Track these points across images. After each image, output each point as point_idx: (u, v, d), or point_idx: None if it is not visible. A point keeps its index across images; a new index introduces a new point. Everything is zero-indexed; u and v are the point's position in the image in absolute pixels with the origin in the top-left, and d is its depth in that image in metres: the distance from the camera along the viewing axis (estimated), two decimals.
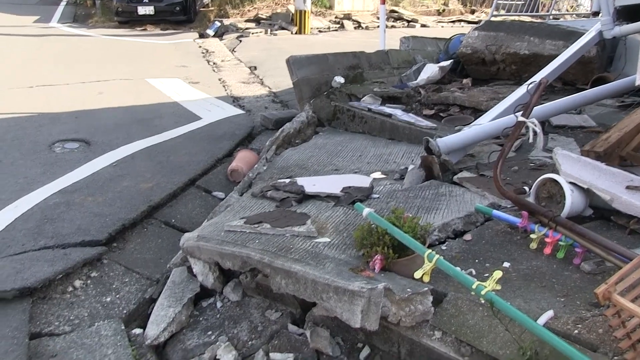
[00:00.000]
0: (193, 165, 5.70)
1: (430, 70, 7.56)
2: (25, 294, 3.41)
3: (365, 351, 3.14)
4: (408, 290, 2.83)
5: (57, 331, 3.32)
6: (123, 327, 3.35)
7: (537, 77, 4.98)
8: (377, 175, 4.75)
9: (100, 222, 4.28)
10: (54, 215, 4.44)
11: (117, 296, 3.66)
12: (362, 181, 4.47)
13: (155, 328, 3.34)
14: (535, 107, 4.06)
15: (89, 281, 3.74)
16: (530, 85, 4.06)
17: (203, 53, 13.30)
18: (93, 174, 5.41)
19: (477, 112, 6.07)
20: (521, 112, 3.94)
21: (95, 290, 3.67)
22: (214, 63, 12.07)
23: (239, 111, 8.12)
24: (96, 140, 6.47)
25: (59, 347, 3.19)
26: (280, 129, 6.02)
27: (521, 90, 5.17)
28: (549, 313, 2.62)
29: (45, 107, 7.89)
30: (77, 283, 3.68)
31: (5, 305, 3.33)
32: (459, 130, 5.06)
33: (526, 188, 3.90)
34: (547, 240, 3.21)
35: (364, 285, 2.78)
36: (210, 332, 3.41)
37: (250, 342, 3.31)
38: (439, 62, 7.97)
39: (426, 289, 2.86)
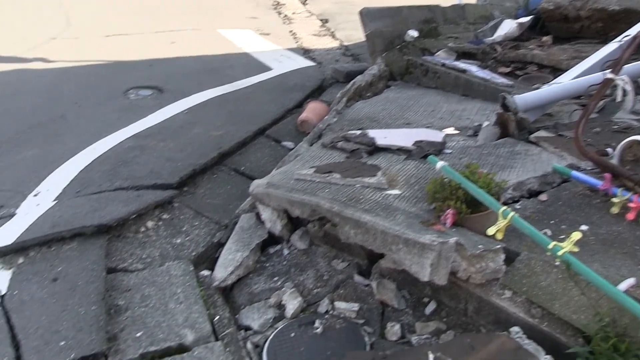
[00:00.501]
0: (263, 115, 5.74)
1: (508, 27, 7.24)
2: (102, 231, 3.58)
3: (431, 306, 3.13)
4: (480, 246, 2.78)
5: (130, 268, 3.48)
6: (192, 268, 3.46)
7: (633, 31, 4.66)
8: (450, 130, 4.65)
9: (171, 167, 4.41)
10: (128, 159, 4.61)
11: (187, 238, 3.78)
12: (435, 136, 4.38)
13: (223, 271, 3.44)
14: (625, 65, 3.82)
15: (160, 223, 3.88)
16: (624, 39, 3.81)
17: (274, 5, 13.25)
18: (165, 121, 5.55)
19: (557, 71, 5.80)
20: (609, 70, 3.71)
21: (166, 232, 3.81)
22: (285, 15, 12.02)
23: (310, 63, 8.08)
24: (169, 88, 6.62)
25: (132, 282, 3.34)
26: (352, 82, 5.96)
27: (610, 47, 4.86)
28: (630, 281, 2.51)
29: (120, 55, 8.13)
30: (150, 224, 3.83)
31: (84, 241, 3.52)
32: (536, 89, 4.84)
33: (609, 150, 3.71)
34: (630, 205, 3.05)
35: (435, 239, 2.75)
36: (276, 278, 3.48)
37: (315, 290, 3.36)
38: (517, 18, 7.62)
39: (499, 246, 2.81)
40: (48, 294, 3.13)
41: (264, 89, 6.73)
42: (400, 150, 4.12)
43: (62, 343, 2.81)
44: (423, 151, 4.03)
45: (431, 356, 2.43)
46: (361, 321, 3.11)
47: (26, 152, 4.95)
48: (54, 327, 2.91)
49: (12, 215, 3.84)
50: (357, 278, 3.40)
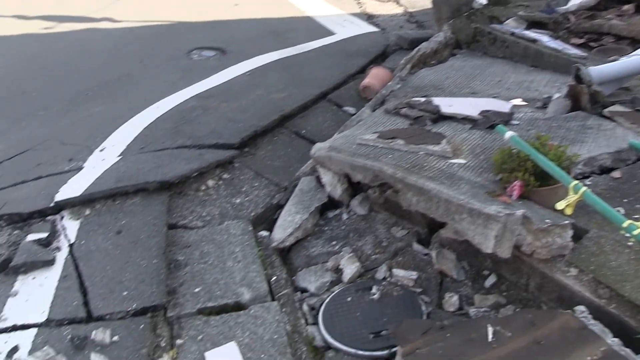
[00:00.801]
0: (325, 79, 5.69)
1: None
2: (165, 187, 3.67)
3: (491, 279, 3.07)
4: (547, 220, 2.69)
5: (190, 225, 3.56)
6: (251, 228, 3.51)
7: None
8: (518, 101, 4.48)
9: (233, 127, 4.45)
10: (191, 118, 4.68)
11: (246, 199, 3.82)
12: (502, 106, 4.24)
13: (282, 232, 3.47)
14: None
15: (220, 182, 3.94)
16: None
17: None
18: (227, 82, 5.59)
19: (636, 43, 5.47)
20: None
21: (226, 191, 3.86)
22: None
23: (373, 29, 7.93)
24: (231, 50, 6.65)
25: (192, 239, 3.42)
26: (417, 48, 5.81)
27: None
28: None
29: (184, 16, 8.20)
30: (210, 182, 3.89)
31: (147, 196, 3.61)
32: (613, 61, 4.59)
33: None
34: None
35: (501, 210, 2.67)
36: (334, 242, 3.48)
37: (373, 256, 3.35)
38: None
39: (567, 222, 2.70)
40: (112, 245, 3.24)
41: (326, 54, 6.66)
42: (465, 119, 4.01)
43: (125, 293, 2.92)
44: (489, 121, 3.91)
45: (490, 329, 2.38)
46: (418, 290, 3.09)
47: (94, 109, 5.10)
48: (118, 277, 3.02)
49: (80, 169, 3.98)
50: (416, 246, 3.37)
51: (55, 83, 5.83)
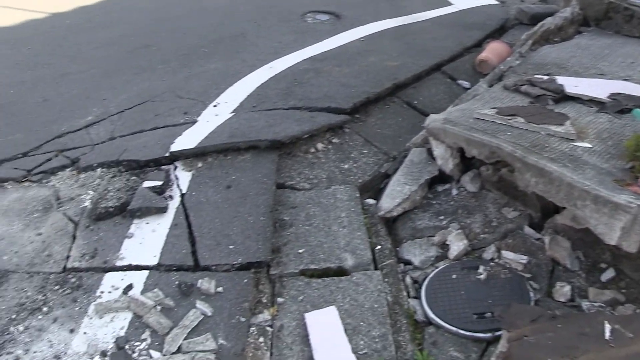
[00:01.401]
0: (440, 51, 5.52)
1: None
2: (275, 146, 3.72)
3: (609, 273, 2.89)
4: None
5: (297, 186, 3.60)
6: (358, 195, 3.49)
7: None
8: None
9: (345, 92, 4.42)
10: (303, 80, 4.70)
11: (354, 165, 3.80)
12: (634, 89, 3.92)
13: (390, 202, 3.43)
14: None
15: (330, 146, 3.94)
16: None
17: None
18: (341, 46, 5.56)
19: None
20: None
21: (335, 156, 3.86)
22: None
23: (493, 1, 7.58)
24: (345, 15, 6.60)
25: (299, 200, 3.45)
26: (540, 24, 5.49)
27: None
28: None
29: None
30: (320, 146, 3.90)
31: (258, 154, 3.69)
32: None
33: None
34: None
35: (632, 201, 2.49)
36: (442, 217, 3.41)
37: (482, 235, 3.24)
38: None
39: None
40: (222, 199, 3.34)
41: (442, 24, 6.45)
42: (591, 101, 3.75)
43: (231, 247, 3.00)
44: (620, 105, 3.63)
45: (608, 327, 2.24)
46: (528, 275, 2.96)
47: (208, 65, 5.25)
48: (225, 230, 3.11)
49: (194, 122, 4.12)
50: (528, 230, 3.23)
51: (174, 39, 6.05)
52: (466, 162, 3.60)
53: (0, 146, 4.10)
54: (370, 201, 3.52)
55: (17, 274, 2.95)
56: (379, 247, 3.15)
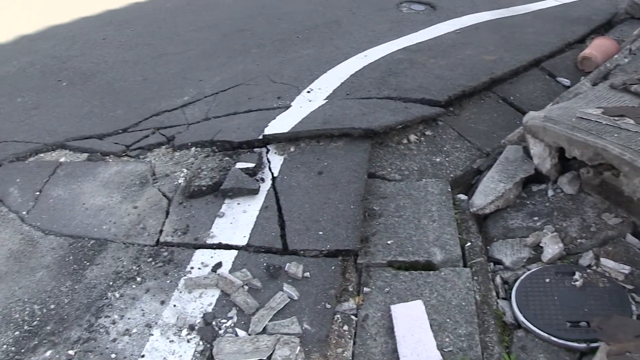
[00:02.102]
0: (539, 46, 5.28)
1: None
2: (368, 135, 3.68)
3: None
4: None
5: (388, 177, 3.54)
6: (449, 189, 3.40)
7: None
8: None
9: (440, 84, 4.31)
10: (397, 70, 4.62)
11: (446, 159, 3.70)
12: None
13: (483, 198, 3.31)
14: None
15: (422, 138, 3.86)
16: None
17: None
18: (436, 38, 5.43)
19: None
20: None
21: (427, 148, 3.77)
22: None
23: None
24: (442, 6, 6.44)
25: (389, 191, 3.39)
26: None
27: None
28: None
29: None
30: (412, 137, 3.82)
31: (350, 142, 3.66)
32: None
33: None
34: None
35: None
36: (536, 218, 3.25)
37: (579, 240, 3.07)
38: None
39: None
40: (313, 184, 3.33)
41: (543, 18, 6.17)
42: None
43: (320, 233, 2.99)
44: None
45: None
46: (630, 287, 2.77)
47: (302, 51, 5.26)
48: (315, 216, 3.10)
49: (287, 107, 4.14)
50: (631, 238, 3.02)
51: (269, 24, 6.11)
52: (564, 163, 3.42)
53: (103, 121, 4.27)
54: (462, 196, 3.41)
55: (115, 243, 3.06)
56: (469, 244, 3.05)
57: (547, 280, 2.82)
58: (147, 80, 4.93)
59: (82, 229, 3.19)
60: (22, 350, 2.47)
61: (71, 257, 2.98)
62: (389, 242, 3.02)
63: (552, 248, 2.99)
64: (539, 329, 2.59)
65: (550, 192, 3.39)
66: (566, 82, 4.78)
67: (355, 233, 2.96)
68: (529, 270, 2.92)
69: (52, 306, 2.68)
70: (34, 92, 4.88)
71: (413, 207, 3.25)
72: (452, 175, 3.56)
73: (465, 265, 2.93)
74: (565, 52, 5.33)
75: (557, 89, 4.63)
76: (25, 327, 2.59)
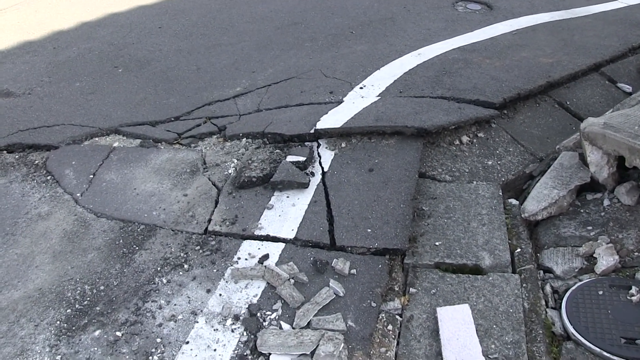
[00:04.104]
0: (600, 49, 5.11)
1: None
2: (421, 134, 3.63)
3: None
4: None
5: (438, 177, 3.48)
6: (500, 193, 3.32)
7: None
8: None
9: (495, 86, 4.22)
10: (452, 70, 4.54)
11: (499, 162, 3.62)
12: None
13: (535, 204, 3.22)
14: None
15: (475, 140, 3.78)
16: None
17: None
18: (492, 38, 5.32)
19: None
20: None
21: (479, 151, 3.70)
22: None
23: None
24: (498, 6, 6.31)
25: (439, 192, 3.34)
26: None
27: None
28: None
29: None
30: (464, 139, 3.75)
31: (402, 140, 3.62)
32: None
33: None
34: None
35: None
36: (590, 228, 3.15)
37: (636, 253, 2.96)
38: None
39: None
40: (363, 181, 3.30)
41: (605, 21, 5.97)
42: None
43: (369, 230, 2.96)
44: None
45: None
46: None
47: (356, 47, 5.23)
48: (364, 213, 3.07)
49: (339, 102, 4.11)
50: None
51: (323, 18, 6.09)
52: (622, 172, 3.31)
53: (156, 108, 4.33)
54: (513, 201, 3.33)
55: (164, 229, 3.09)
56: (518, 250, 2.97)
57: (601, 292, 2.73)
58: (200, 70, 4.98)
59: (132, 213, 3.24)
60: (73, 328, 2.52)
61: (121, 241, 3.03)
62: (437, 243, 2.97)
63: (606, 259, 2.89)
64: (591, 343, 2.50)
65: (606, 202, 3.28)
66: (628, 88, 4.61)
67: (404, 232, 2.92)
68: (580, 280, 2.83)
69: (102, 287, 2.73)
70: (92, 78, 4.99)
71: (463, 209, 3.19)
72: (503, 179, 3.48)
73: (514, 272, 2.86)
74: (628, 57, 5.14)
75: (617, 95, 4.49)
76: (77, 306, 2.64)
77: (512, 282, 2.75)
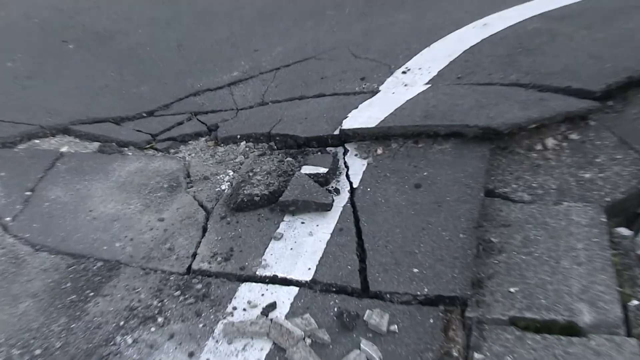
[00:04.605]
0: None
1: None
2: (487, 136, 3.61)
3: None
4: None
5: (513, 196, 3.45)
6: (604, 219, 3.28)
7: None
8: None
9: (595, 67, 4.19)
10: (531, 45, 4.54)
11: (600, 175, 3.59)
12: None
13: None
14: None
15: (565, 143, 3.76)
16: None
17: None
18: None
19: None
20: None
21: (572, 159, 3.67)
22: None
23: None
24: None
25: (513, 217, 3.31)
26: None
27: None
28: None
29: None
30: (550, 142, 3.73)
31: (461, 145, 3.60)
32: None
33: None
34: None
35: None
36: None
37: None
38: None
39: None
40: (407, 202, 3.29)
41: None
42: None
43: (415, 270, 2.94)
44: None
45: None
46: None
47: (397, 15, 5.25)
48: (409, 246, 3.06)
49: (374, 92, 4.13)
50: None
51: None
52: None
53: (122, 100, 4.38)
54: (623, 231, 3.28)
55: (130, 267, 3.12)
56: (635, 302, 2.92)
57: None
58: (183, 48, 5.02)
59: (86, 245, 3.26)
60: None
61: (69, 284, 3.05)
62: (512, 289, 2.94)
63: None
64: None
65: None
66: None
67: (465, 274, 2.90)
68: None
69: (38, 352, 2.73)
70: (30, 56, 5.05)
71: (549, 241, 3.15)
72: (608, 199, 3.44)
73: (629, 335, 2.80)
74: None
75: None
76: None
77: (626, 350, 2.70)
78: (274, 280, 2.99)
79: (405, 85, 4.12)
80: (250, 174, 3.53)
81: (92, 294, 2.99)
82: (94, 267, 3.13)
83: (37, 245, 3.27)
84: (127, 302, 2.94)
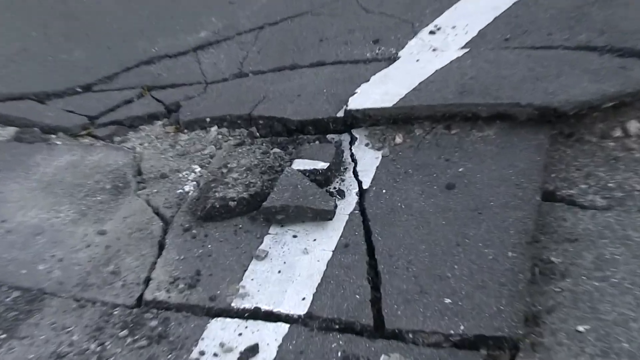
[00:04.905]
0: None
1: None
2: (546, 119, 3.60)
3: None
4: None
5: (581, 200, 3.45)
6: None
7: None
8: None
9: None
10: None
11: None
12: None
13: None
14: None
15: None
16: None
17: None
18: None
19: None
20: None
21: None
22: None
23: None
24: None
25: (582, 227, 3.30)
26: None
27: None
28: None
29: None
30: (633, 126, 3.72)
31: (509, 130, 3.61)
32: None
33: None
34: None
35: None
36: None
37: None
38: None
39: None
40: (435, 207, 3.29)
41: None
42: None
43: (448, 301, 2.93)
44: None
45: None
46: None
47: None
48: (437, 268, 3.05)
49: (392, 59, 4.13)
50: None
51: None
52: None
53: (47, 69, 4.36)
54: None
55: (59, 299, 3.11)
56: None
57: None
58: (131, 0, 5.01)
59: None
60: None
61: None
62: (580, 328, 2.93)
63: None
64: None
65: None
66: None
67: (515, 306, 2.90)
68: None
69: None
70: None
71: (632, 262, 3.15)
72: None
73: None
74: None
75: None
76: None
77: None
78: (256, 314, 2.99)
79: (434, 50, 4.13)
80: (224, 170, 3.53)
81: (4, 335, 2.98)
82: (8, 299, 3.12)
83: None
84: (54, 346, 2.92)
